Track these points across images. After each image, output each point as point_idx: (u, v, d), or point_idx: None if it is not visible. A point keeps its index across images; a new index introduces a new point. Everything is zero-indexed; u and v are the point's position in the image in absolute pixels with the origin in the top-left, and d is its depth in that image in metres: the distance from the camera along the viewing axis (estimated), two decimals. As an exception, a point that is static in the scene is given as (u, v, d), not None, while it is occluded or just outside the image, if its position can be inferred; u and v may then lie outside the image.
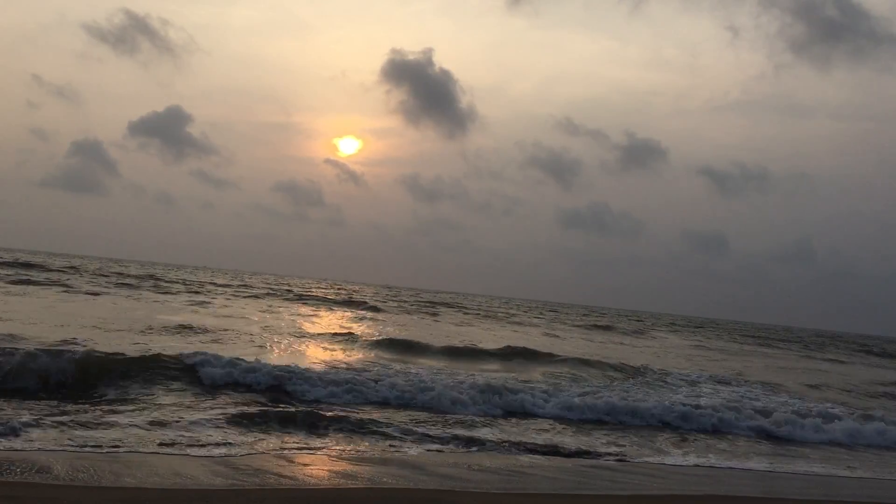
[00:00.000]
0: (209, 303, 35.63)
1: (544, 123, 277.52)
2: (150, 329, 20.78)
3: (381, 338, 25.14)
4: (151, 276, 57.74)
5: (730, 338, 63.85)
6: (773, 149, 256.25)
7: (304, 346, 21.32)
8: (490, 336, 33.42)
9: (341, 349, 21.68)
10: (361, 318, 37.55)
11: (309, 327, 28.20)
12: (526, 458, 10.51)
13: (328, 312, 39.85)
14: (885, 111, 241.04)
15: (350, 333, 25.66)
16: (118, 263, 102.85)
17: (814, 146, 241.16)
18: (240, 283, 70.35)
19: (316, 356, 19.18)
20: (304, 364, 15.73)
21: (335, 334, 25.34)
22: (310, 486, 7.92)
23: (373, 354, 21.15)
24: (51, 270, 49.72)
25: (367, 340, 24.14)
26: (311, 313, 37.44)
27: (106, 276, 52.34)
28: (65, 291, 33.00)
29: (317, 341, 23.19)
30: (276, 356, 18.04)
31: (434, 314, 48.36)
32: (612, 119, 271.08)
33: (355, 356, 20.32)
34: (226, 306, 34.63)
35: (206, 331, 21.69)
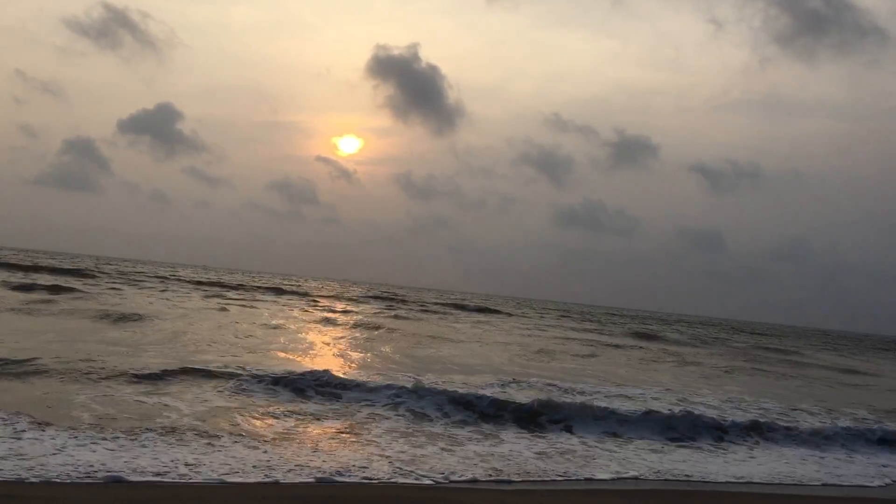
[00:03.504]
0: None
1: (533, 120, 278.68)
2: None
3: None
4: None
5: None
6: (765, 146, 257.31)
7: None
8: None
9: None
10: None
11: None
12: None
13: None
14: (880, 108, 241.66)
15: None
16: (132, 263, 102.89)
17: (807, 143, 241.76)
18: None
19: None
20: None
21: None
22: (310, 483, 7.88)
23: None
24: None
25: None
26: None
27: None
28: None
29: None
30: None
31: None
32: (602, 116, 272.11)
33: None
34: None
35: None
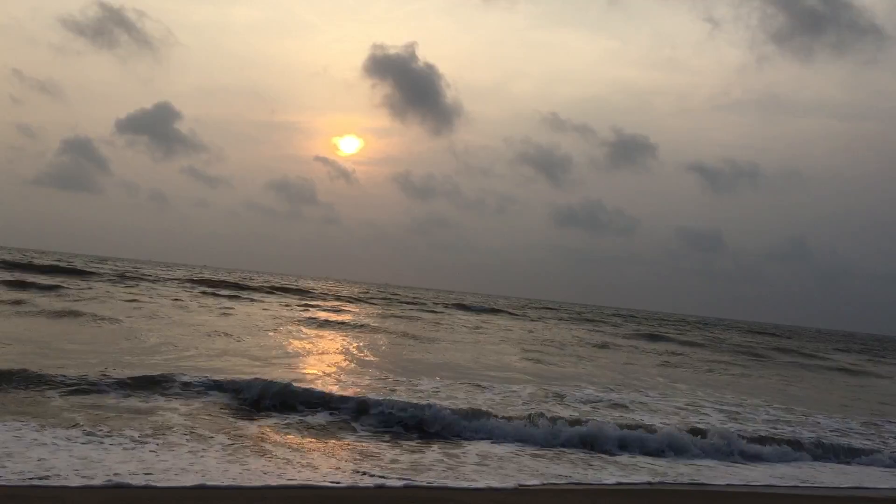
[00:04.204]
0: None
1: (531, 119, 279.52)
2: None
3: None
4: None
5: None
6: (764, 145, 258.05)
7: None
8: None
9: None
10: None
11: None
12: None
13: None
14: (878, 107, 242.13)
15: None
16: (128, 263, 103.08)
17: (805, 142, 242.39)
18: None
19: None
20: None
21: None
22: (310, 485, 7.81)
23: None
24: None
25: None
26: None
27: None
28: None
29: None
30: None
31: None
32: (600, 115, 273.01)
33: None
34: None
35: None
